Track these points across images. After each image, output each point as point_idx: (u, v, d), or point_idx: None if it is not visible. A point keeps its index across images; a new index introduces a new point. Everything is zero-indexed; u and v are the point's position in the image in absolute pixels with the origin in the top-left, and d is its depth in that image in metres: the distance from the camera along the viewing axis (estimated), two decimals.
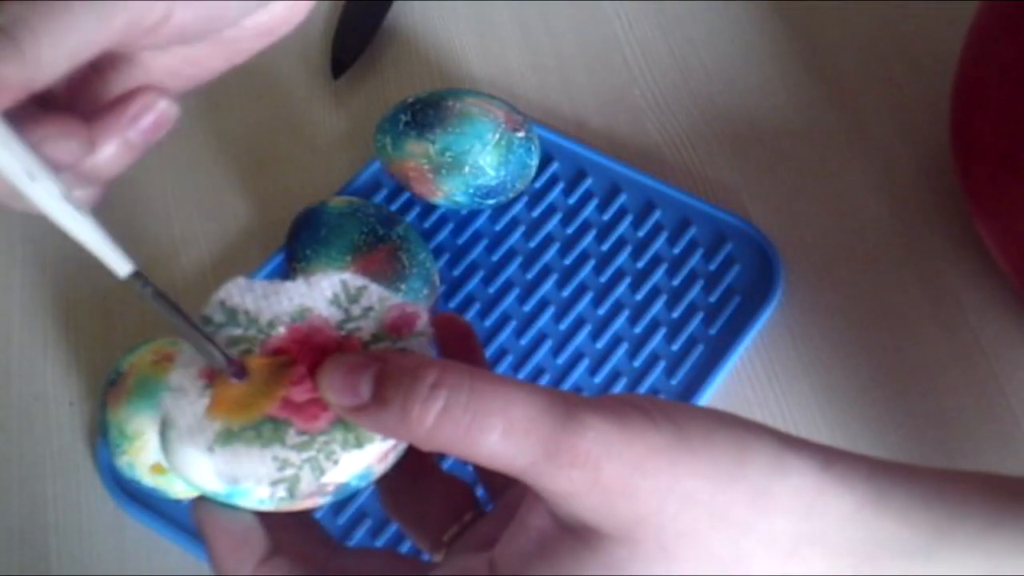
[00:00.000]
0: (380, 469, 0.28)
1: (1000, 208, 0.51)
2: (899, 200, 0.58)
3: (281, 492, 0.28)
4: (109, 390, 0.48)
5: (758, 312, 0.54)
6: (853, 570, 0.27)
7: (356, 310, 0.30)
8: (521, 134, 0.55)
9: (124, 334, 0.55)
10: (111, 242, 0.30)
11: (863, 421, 0.52)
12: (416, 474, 0.32)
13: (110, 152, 0.32)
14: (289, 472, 0.27)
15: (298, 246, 0.52)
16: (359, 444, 0.28)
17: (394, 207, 0.58)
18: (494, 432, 0.25)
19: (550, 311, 0.55)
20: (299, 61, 0.65)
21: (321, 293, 0.30)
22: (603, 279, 0.56)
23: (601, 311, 0.55)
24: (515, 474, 0.26)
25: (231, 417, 0.28)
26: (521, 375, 0.53)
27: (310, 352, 0.29)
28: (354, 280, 0.30)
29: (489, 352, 0.54)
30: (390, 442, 0.28)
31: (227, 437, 0.28)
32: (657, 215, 0.58)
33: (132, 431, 0.46)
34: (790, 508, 0.26)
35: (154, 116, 0.33)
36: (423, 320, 0.30)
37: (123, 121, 0.32)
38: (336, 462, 0.28)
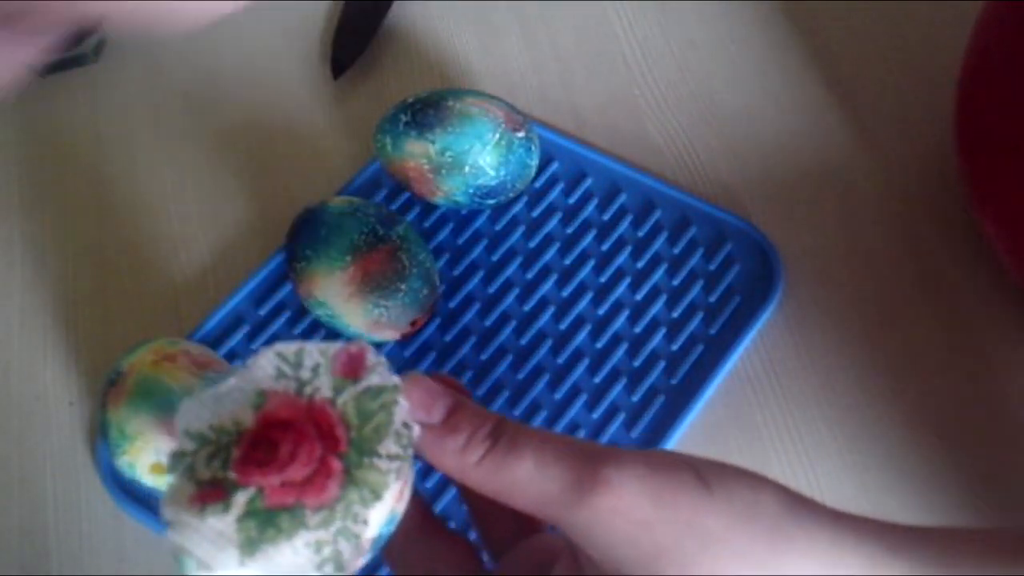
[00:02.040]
0: (401, 509, 0.29)
1: (1006, 204, 0.51)
2: (899, 200, 0.58)
3: (329, 570, 0.27)
4: (109, 390, 0.48)
5: (758, 312, 0.54)
6: None
7: (305, 374, 0.29)
8: (521, 134, 0.55)
9: (124, 334, 0.55)
10: None
11: (863, 421, 0.52)
12: (424, 533, 0.33)
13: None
14: (328, 552, 0.27)
15: (298, 246, 0.52)
16: (378, 496, 0.28)
17: (394, 207, 0.58)
18: (527, 461, 0.28)
19: (550, 311, 0.55)
20: (299, 61, 0.65)
21: (264, 373, 0.29)
22: (603, 279, 0.56)
23: (601, 311, 0.55)
24: (544, 506, 0.27)
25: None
26: (520, 375, 0.53)
27: (287, 427, 0.28)
28: (287, 347, 0.30)
29: (489, 352, 0.54)
30: (402, 481, 0.28)
31: (250, 545, 0.27)
32: (657, 215, 0.58)
33: (132, 431, 0.46)
34: (808, 552, 0.27)
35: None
36: (371, 353, 0.29)
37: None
38: (366, 522, 0.27)
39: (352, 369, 0.29)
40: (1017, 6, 0.49)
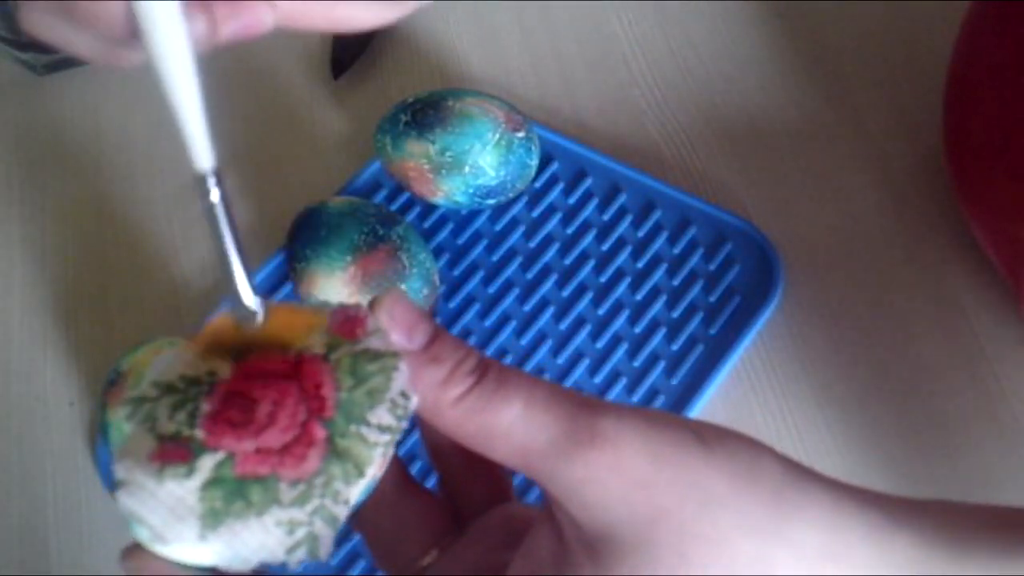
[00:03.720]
0: (379, 475, 0.25)
1: (992, 207, 0.51)
2: (899, 200, 0.58)
3: (301, 556, 0.24)
4: (109, 390, 0.48)
5: (758, 312, 0.54)
6: None
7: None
8: (521, 134, 0.55)
9: (124, 334, 0.55)
10: (206, 129, 0.27)
11: (863, 421, 0.52)
12: (398, 495, 0.30)
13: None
14: (301, 533, 0.24)
15: (298, 246, 0.52)
16: (361, 472, 0.24)
17: (394, 207, 0.58)
18: (515, 406, 0.25)
19: (550, 311, 0.55)
20: (299, 61, 0.65)
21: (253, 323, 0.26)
22: (603, 279, 0.56)
23: (601, 311, 0.55)
24: (528, 457, 0.25)
25: (207, 350, 0.24)
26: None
27: (267, 383, 0.25)
28: (279, 302, 0.27)
29: (489, 352, 0.54)
30: (385, 450, 0.25)
31: (214, 517, 0.23)
32: (657, 215, 0.58)
33: None
34: (811, 518, 0.25)
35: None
36: (372, 319, 0.26)
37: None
38: (347, 502, 0.24)
39: (350, 329, 0.26)
40: (999, 7, 0.50)
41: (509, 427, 0.25)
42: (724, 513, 0.25)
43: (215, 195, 0.26)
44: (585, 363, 0.53)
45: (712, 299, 0.55)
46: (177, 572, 0.24)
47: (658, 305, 0.55)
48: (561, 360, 0.53)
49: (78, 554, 0.50)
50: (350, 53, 0.65)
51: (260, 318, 0.26)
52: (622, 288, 0.55)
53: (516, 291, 0.56)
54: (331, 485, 0.24)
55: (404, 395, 0.25)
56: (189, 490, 0.24)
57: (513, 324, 0.55)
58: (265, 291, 0.56)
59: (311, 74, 0.65)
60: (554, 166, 0.60)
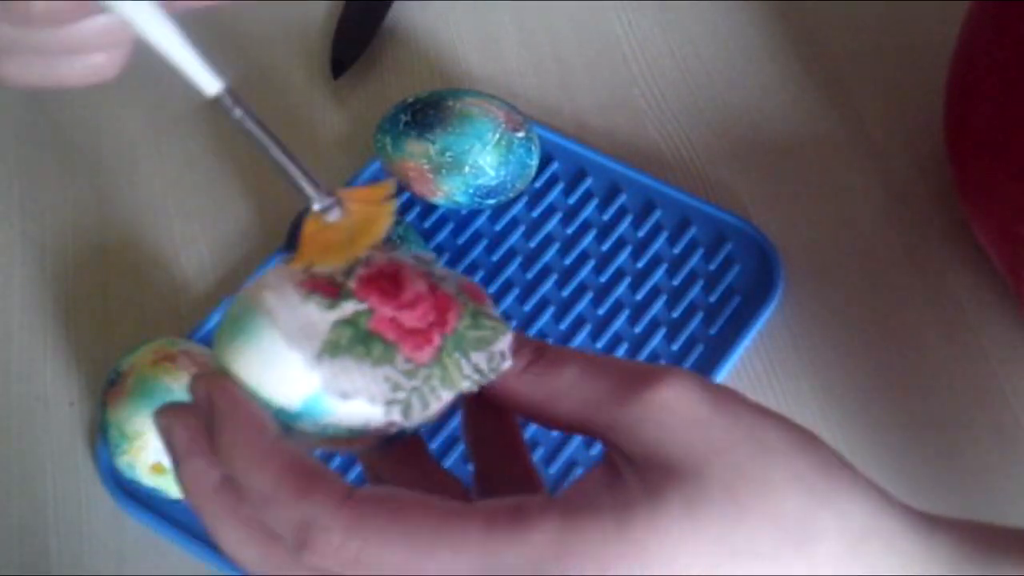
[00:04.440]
0: (432, 423, 0.28)
1: (992, 206, 0.51)
2: (899, 200, 0.58)
3: (395, 414, 0.27)
4: (109, 390, 0.48)
5: (758, 312, 0.54)
6: None
7: (437, 271, 0.29)
8: (521, 134, 0.55)
9: (124, 334, 0.55)
10: (200, 58, 0.29)
11: (863, 421, 0.52)
12: (417, 469, 0.31)
13: None
14: (402, 396, 0.27)
15: (297, 246, 0.52)
16: (451, 385, 0.27)
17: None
18: (574, 366, 0.27)
19: (550, 311, 0.55)
20: (299, 61, 0.65)
21: (403, 254, 0.30)
22: (603, 279, 0.56)
23: (601, 311, 0.55)
24: (590, 407, 0.26)
25: (320, 258, 0.28)
26: None
27: (415, 282, 0.28)
28: (422, 253, 0.30)
29: None
30: (469, 387, 0.28)
31: (335, 348, 0.26)
32: (657, 215, 0.58)
33: (132, 431, 0.46)
34: (862, 497, 0.26)
35: None
36: (489, 299, 0.30)
37: None
38: (438, 397, 0.27)
39: (475, 295, 0.29)
40: (999, 7, 0.50)
41: (571, 384, 0.27)
42: (778, 464, 0.26)
43: (237, 112, 0.30)
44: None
45: (712, 299, 0.55)
46: (246, 396, 0.26)
47: (658, 305, 0.55)
48: None
49: (78, 554, 0.50)
50: (350, 53, 0.65)
51: (338, 209, 0.29)
52: (622, 288, 0.55)
53: (516, 291, 0.56)
54: (431, 380, 0.27)
55: (502, 355, 0.28)
56: (324, 320, 0.27)
57: (513, 324, 0.55)
58: None
59: (311, 74, 0.65)
60: (554, 166, 0.60)
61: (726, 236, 0.57)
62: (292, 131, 0.63)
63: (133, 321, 0.56)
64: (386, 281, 0.28)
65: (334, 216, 0.29)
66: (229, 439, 0.26)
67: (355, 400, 0.27)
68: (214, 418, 0.27)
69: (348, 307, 0.27)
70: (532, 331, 0.54)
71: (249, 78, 0.65)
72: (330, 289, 0.28)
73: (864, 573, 0.26)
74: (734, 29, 0.66)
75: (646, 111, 0.63)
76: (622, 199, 0.58)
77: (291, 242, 0.53)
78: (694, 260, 0.56)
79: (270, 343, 0.27)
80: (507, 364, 0.28)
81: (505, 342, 0.28)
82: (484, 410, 0.31)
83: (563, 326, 0.54)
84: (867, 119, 0.61)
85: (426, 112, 0.54)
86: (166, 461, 0.46)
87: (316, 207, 0.29)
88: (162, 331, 0.54)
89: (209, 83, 0.28)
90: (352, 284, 0.28)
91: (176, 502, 0.49)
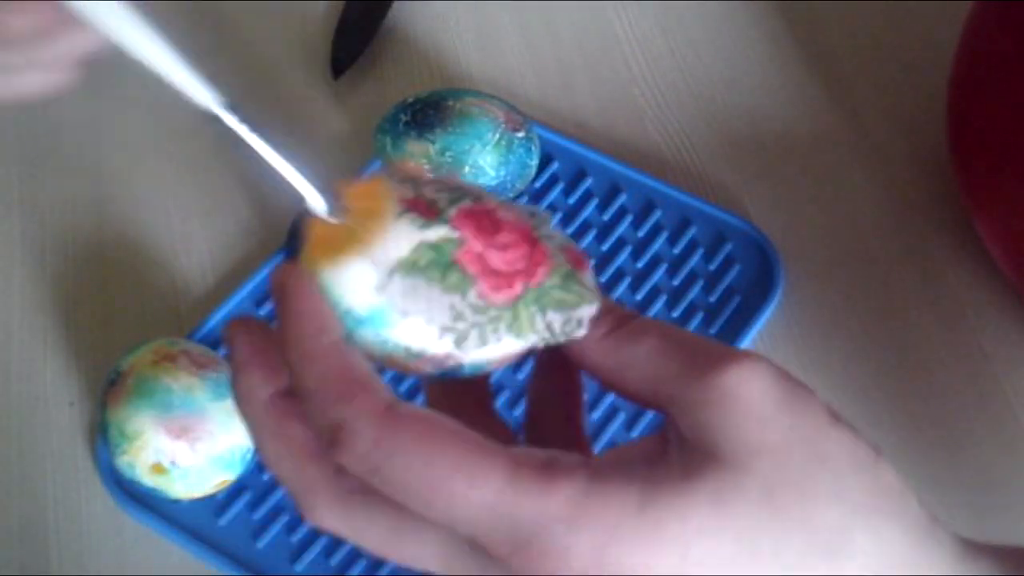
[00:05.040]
0: (495, 366, 0.28)
1: (997, 204, 0.51)
2: (899, 199, 0.58)
3: (448, 343, 0.27)
4: (109, 390, 0.48)
5: (758, 312, 0.54)
6: None
7: (544, 228, 0.29)
8: (521, 134, 0.55)
9: (124, 334, 0.55)
10: (194, 73, 0.29)
11: (863, 421, 0.51)
12: (473, 412, 0.31)
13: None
14: (460, 326, 0.27)
15: (298, 246, 0.52)
16: (518, 333, 0.28)
17: None
18: (652, 338, 0.27)
19: None
20: (299, 61, 0.65)
21: (515, 207, 0.30)
22: (603, 279, 0.56)
23: None
24: (658, 382, 0.26)
25: (327, 257, 0.27)
26: (521, 375, 0.53)
27: (514, 229, 0.28)
28: (537, 210, 0.30)
29: None
30: (538, 342, 0.28)
31: (410, 267, 0.27)
32: (657, 215, 0.58)
33: (132, 431, 0.46)
34: (911, 525, 0.26)
35: None
36: (590, 269, 0.30)
37: None
38: (499, 340, 0.27)
39: (576, 261, 0.29)
40: (1001, 7, 0.50)
41: (646, 357, 0.27)
42: (827, 476, 0.25)
43: (234, 124, 0.29)
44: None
45: (712, 299, 0.55)
46: (317, 292, 0.27)
47: (658, 305, 0.55)
48: None
49: (78, 554, 0.50)
50: (350, 53, 0.65)
51: (339, 209, 0.29)
52: (622, 288, 0.55)
53: None
54: (498, 322, 0.27)
55: (579, 323, 0.28)
56: (412, 238, 0.27)
57: None
58: (266, 291, 0.56)
59: (311, 74, 0.65)
60: (554, 166, 0.60)
61: (726, 236, 0.57)
62: (292, 131, 0.63)
63: (133, 321, 0.56)
64: (486, 218, 0.28)
65: (335, 217, 0.29)
66: (290, 330, 0.27)
67: (413, 319, 0.27)
68: (282, 308, 0.27)
69: (439, 231, 0.27)
70: None
71: (249, 78, 0.65)
72: (429, 211, 0.28)
73: None
74: (734, 29, 0.66)
75: (646, 111, 0.63)
76: (622, 199, 0.58)
77: (291, 242, 0.53)
78: (694, 260, 0.56)
79: (351, 248, 0.27)
80: (582, 332, 0.28)
81: (588, 311, 0.28)
82: (555, 368, 0.31)
83: None
84: (868, 118, 0.61)
85: (426, 112, 0.54)
86: (166, 461, 0.46)
87: (317, 210, 0.29)
88: (162, 331, 0.54)
89: (202, 95, 0.28)
90: (452, 212, 0.28)
91: (176, 502, 0.49)
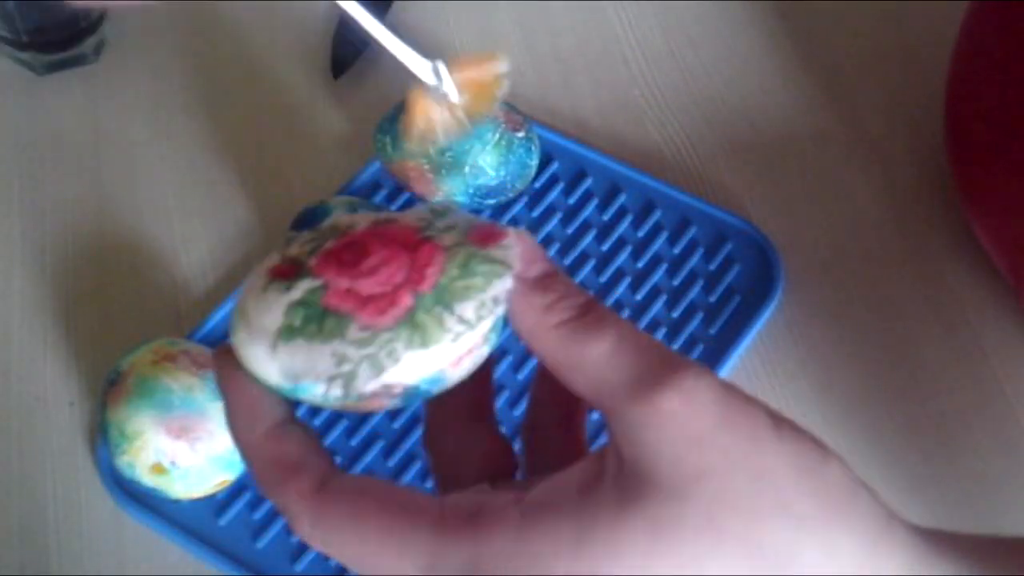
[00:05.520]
0: (455, 376, 0.28)
1: (993, 205, 0.51)
2: (899, 200, 0.58)
3: (336, 389, 0.27)
4: (109, 390, 0.48)
5: (758, 312, 0.54)
6: None
7: (439, 223, 0.28)
8: (521, 134, 0.55)
9: (124, 334, 0.55)
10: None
11: (863, 421, 0.52)
12: (471, 417, 0.31)
13: None
14: (346, 368, 0.26)
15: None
16: (424, 344, 0.27)
17: (394, 207, 0.58)
18: (605, 343, 0.26)
19: None
20: (299, 61, 0.65)
21: (412, 212, 0.29)
22: (603, 279, 0.56)
23: None
24: (602, 391, 0.26)
25: (429, 129, 0.27)
26: (521, 376, 0.53)
27: (387, 245, 0.28)
28: (443, 203, 0.30)
29: (489, 351, 0.54)
30: (462, 346, 0.27)
31: (289, 333, 0.27)
32: (657, 215, 0.58)
33: (132, 431, 0.46)
34: (862, 527, 0.25)
35: None
36: (512, 238, 0.28)
37: None
38: (397, 360, 0.26)
39: (483, 238, 0.28)
40: (999, 7, 0.50)
41: (594, 361, 0.26)
42: (769, 491, 0.24)
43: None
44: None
45: (712, 299, 0.55)
46: (247, 383, 0.27)
47: (658, 305, 0.55)
48: None
49: (78, 554, 0.50)
50: (350, 53, 0.65)
51: (449, 86, 0.29)
52: (622, 288, 0.55)
53: None
54: (392, 344, 0.26)
55: (495, 301, 0.27)
56: (281, 304, 0.27)
57: None
58: None
59: (311, 74, 0.65)
60: (554, 166, 0.60)
61: (726, 236, 0.57)
62: (292, 131, 0.63)
63: (133, 321, 0.56)
64: (348, 252, 0.28)
65: (446, 94, 0.29)
66: (231, 422, 0.28)
67: (305, 381, 0.27)
68: (222, 399, 0.28)
69: (303, 285, 0.27)
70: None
71: (249, 78, 0.65)
72: (290, 270, 0.28)
73: None
74: (734, 29, 0.66)
75: (646, 111, 0.63)
76: (622, 199, 0.58)
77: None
78: (694, 260, 0.56)
79: (243, 335, 0.27)
80: (499, 310, 0.27)
81: (500, 287, 0.27)
82: (551, 379, 0.31)
83: None
84: (867, 118, 0.61)
85: None
86: (166, 461, 0.46)
87: (429, 86, 0.28)
88: (162, 331, 0.54)
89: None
90: (313, 261, 0.28)
91: (176, 502, 0.49)
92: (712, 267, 0.56)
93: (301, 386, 0.27)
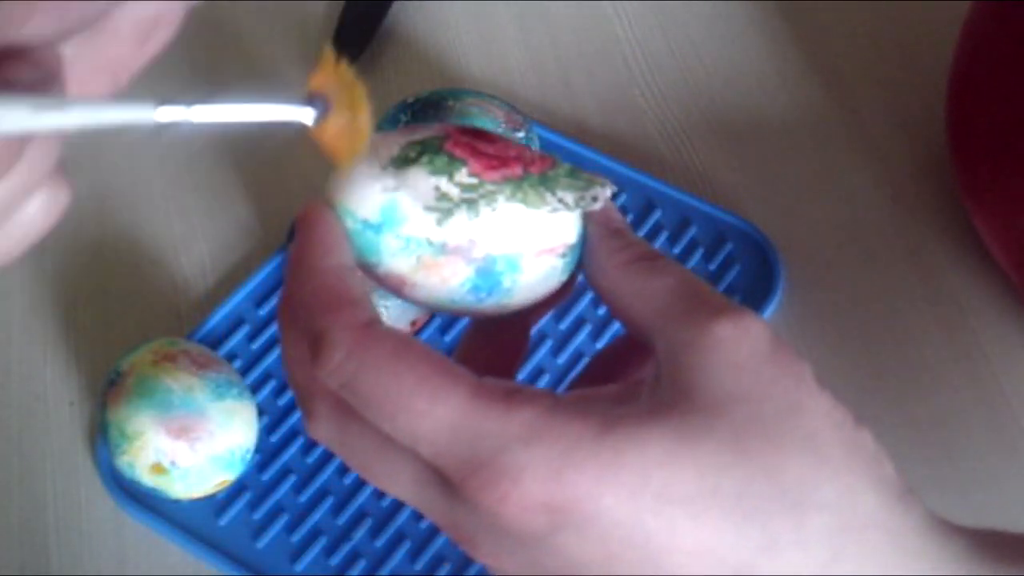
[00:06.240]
0: (532, 269, 0.29)
1: (997, 203, 0.51)
2: (899, 200, 0.58)
3: (427, 226, 0.27)
4: (109, 390, 0.48)
5: (758, 312, 0.54)
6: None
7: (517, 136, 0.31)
8: (521, 134, 0.55)
9: (124, 334, 0.55)
10: (119, 103, 0.28)
11: (863, 421, 0.52)
12: (511, 332, 0.33)
13: None
14: (445, 204, 0.28)
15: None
16: (524, 201, 0.28)
17: None
18: (670, 277, 0.28)
19: (550, 312, 0.55)
20: (299, 61, 0.65)
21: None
22: None
23: (601, 311, 0.55)
24: (657, 317, 0.27)
25: (355, 145, 0.29)
26: (521, 376, 0.53)
27: (506, 143, 0.29)
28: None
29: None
30: (554, 229, 0.28)
31: (403, 161, 0.28)
32: (657, 215, 0.58)
33: (132, 431, 0.46)
34: (885, 491, 0.26)
35: None
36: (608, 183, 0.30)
37: None
38: (494, 208, 0.28)
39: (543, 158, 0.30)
40: (1000, 6, 0.50)
41: (656, 290, 0.27)
42: (802, 428, 0.25)
43: (182, 115, 0.29)
44: (585, 363, 0.53)
45: None
46: (334, 220, 0.29)
47: None
48: (561, 360, 0.53)
49: (78, 554, 0.50)
50: (350, 53, 0.64)
51: (326, 108, 0.31)
52: None
53: None
54: (495, 195, 0.28)
55: (594, 198, 0.29)
56: (402, 140, 0.29)
57: None
58: (266, 291, 0.56)
59: (311, 74, 0.65)
60: None
61: (726, 236, 0.57)
62: (292, 131, 0.63)
63: (133, 321, 0.56)
64: (473, 130, 0.29)
65: (327, 116, 0.31)
66: (300, 251, 0.29)
67: (400, 210, 0.28)
68: (299, 236, 0.29)
69: (426, 132, 0.29)
70: (532, 331, 0.54)
71: (249, 78, 0.65)
72: (418, 129, 0.30)
73: (859, 559, 0.25)
74: (734, 29, 0.66)
75: (646, 111, 0.63)
76: (622, 199, 0.58)
77: (291, 241, 0.53)
78: (694, 260, 0.56)
79: (356, 161, 0.29)
80: (598, 205, 0.28)
81: (603, 191, 0.29)
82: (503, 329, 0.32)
83: (563, 326, 0.54)
84: (868, 118, 0.61)
85: (426, 112, 0.54)
86: (166, 461, 0.46)
87: (311, 122, 0.31)
88: (162, 331, 0.54)
89: (145, 113, 0.28)
90: (441, 134, 0.29)
91: (176, 502, 0.49)
92: (712, 267, 0.56)
93: (394, 218, 0.28)
